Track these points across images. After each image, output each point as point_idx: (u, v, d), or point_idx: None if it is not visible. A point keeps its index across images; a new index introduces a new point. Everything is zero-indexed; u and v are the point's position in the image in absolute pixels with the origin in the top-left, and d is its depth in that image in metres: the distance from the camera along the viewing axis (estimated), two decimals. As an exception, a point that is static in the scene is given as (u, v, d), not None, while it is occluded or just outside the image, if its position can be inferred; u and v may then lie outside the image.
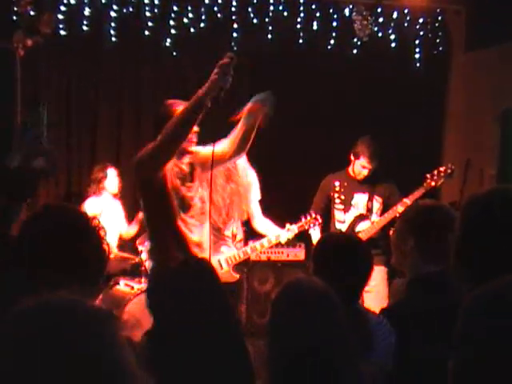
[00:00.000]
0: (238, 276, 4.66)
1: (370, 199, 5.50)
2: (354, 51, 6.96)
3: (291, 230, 4.81)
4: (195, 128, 3.69)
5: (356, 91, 6.81)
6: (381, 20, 6.88)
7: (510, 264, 1.75)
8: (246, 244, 4.89)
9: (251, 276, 5.86)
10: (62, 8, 6.05)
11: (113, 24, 6.28)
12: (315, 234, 5.25)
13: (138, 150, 3.71)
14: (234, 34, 6.66)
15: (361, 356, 2.24)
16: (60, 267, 1.93)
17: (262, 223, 4.89)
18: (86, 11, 6.17)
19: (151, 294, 2.70)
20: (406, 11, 7.00)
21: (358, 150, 5.42)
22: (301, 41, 6.89)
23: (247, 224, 4.90)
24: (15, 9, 5.30)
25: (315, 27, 6.89)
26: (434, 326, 2.42)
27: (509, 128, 6.59)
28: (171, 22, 6.44)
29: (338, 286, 2.21)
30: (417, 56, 7.18)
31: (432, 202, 3.15)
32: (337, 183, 5.56)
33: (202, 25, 6.54)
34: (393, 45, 7.08)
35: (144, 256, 5.14)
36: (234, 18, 6.65)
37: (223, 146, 3.87)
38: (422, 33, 7.13)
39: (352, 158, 5.52)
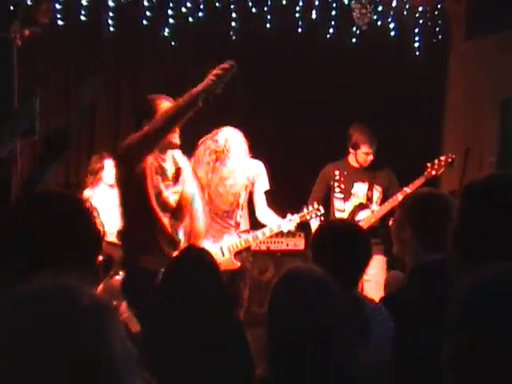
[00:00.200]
0: (239, 263, 4.71)
1: (370, 188, 5.50)
2: (353, 40, 6.94)
3: (293, 219, 4.82)
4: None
5: (355, 80, 6.79)
6: (380, 8, 6.85)
7: (509, 250, 1.75)
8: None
9: (251, 265, 5.86)
10: (60, -3, 6.04)
11: (111, 14, 6.26)
12: (315, 224, 5.24)
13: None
14: (233, 23, 6.64)
15: (359, 343, 2.24)
16: (56, 252, 1.93)
17: (265, 214, 4.91)
18: (84, 1, 6.14)
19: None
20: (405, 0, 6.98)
21: (356, 140, 5.42)
22: (300, 30, 6.87)
23: (252, 215, 4.92)
24: (12, -2, 5.28)
25: (314, 16, 6.86)
26: (433, 314, 2.41)
27: (508, 117, 6.57)
28: (169, 12, 6.42)
29: (337, 274, 2.21)
30: (416, 45, 7.15)
31: (430, 189, 3.15)
32: (337, 172, 5.56)
33: (200, 14, 6.51)
34: (392, 33, 7.05)
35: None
36: (232, 6, 6.62)
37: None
38: (421, 21, 7.10)
39: (351, 150, 5.52)
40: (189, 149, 5.52)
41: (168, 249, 3.84)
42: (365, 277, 5.24)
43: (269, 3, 6.74)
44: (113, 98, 6.63)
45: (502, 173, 2.17)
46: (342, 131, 5.59)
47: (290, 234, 6.18)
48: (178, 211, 3.94)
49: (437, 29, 7.21)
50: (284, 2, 6.80)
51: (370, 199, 5.50)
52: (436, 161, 5.34)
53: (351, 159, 5.57)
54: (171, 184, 3.92)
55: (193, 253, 2.87)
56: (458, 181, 5.75)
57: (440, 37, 7.24)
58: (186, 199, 3.99)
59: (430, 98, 7.23)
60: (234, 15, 6.63)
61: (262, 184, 4.86)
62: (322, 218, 5.01)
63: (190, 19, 6.49)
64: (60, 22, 6.08)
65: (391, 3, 6.94)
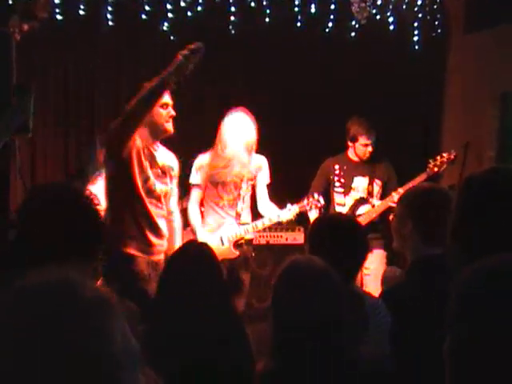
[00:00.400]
0: (237, 253, 4.77)
1: (371, 183, 5.51)
2: (352, 34, 6.92)
3: (292, 209, 4.83)
4: (172, 112, 3.92)
5: (354, 74, 6.78)
6: (379, 2, 6.83)
7: (509, 243, 1.75)
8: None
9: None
10: (59, -8, 6.02)
11: (109, 8, 6.23)
12: (314, 217, 5.26)
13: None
14: (232, 18, 6.61)
15: (360, 336, 2.25)
16: (58, 244, 1.93)
17: (266, 207, 4.94)
18: (83, -5, 6.13)
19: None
20: (404, -7, 6.97)
21: (353, 133, 5.44)
22: (299, 24, 6.85)
23: (254, 210, 4.96)
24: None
25: (313, 10, 6.84)
26: (433, 309, 2.42)
27: (507, 111, 6.57)
28: (168, 6, 6.40)
29: (336, 268, 2.22)
30: (415, 39, 7.14)
31: (430, 184, 3.15)
32: (336, 166, 5.57)
33: (199, 8, 6.49)
34: (391, 27, 7.03)
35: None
36: (231, 1, 6.60)
37: None
38: (420, 15, 7.08)
39: (350, 143, 5.53)
40: (191, 142, 5.55)
41: (151, 235, 3.86)
42: (365, 271, 5.30)
43: (268, -3, 6.72)
44: (112, 92, 6.62)
45: (501, 167, 2.17)
46: (341, 125, 5.60)
47: (289, 228, 6.19)
48: (162, 201, 3.97)
49: (436, 23, 7.19)
50: (283, -4, 6.79)
51: (370, 193, 5.50)
52: (438, 157, 5.34)
53: (351, 153, 5.58)
54: (159, 173, 3.95)
55: (194, 249, 2.87)
56: (457, 175, 5.75)
57: (439, 31, 7.22)
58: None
59: (429, 92, 7.22)
60: (232, 9, 6.61)
61: (264, 178, 4.91)
62: (322, 210, 5.02)
63: (189, 13, 6.47)
64: (59, 17, 6.06)
65: (390, -3, 6.93)
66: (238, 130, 4.71)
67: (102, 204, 2.25)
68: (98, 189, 5.80)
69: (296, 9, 6.82)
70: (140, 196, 3.80)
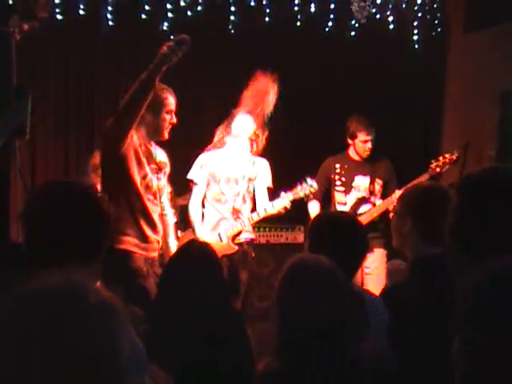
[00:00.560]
0: (236, 247, 4.81)
1: (372, 182, 5.51)
2: (352, 33, 6.92)
3: (285, 197, 4.83)
4: (174, 119, 3.95)
5: (354, 73, 6.78)
6: (379, 2, 6.83)
7: (508, 242, 1.75)
8: (253, 231, 5.09)
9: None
10: (58, -8, 6.01)
11: (109, 8, 6.23)
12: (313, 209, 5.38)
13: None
14: (232, 17, 6.62)
15: (361, 333, 2.25)
16: (61, 244, 1.92)
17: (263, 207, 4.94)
18: (82, -5, 6.13)
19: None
20: (404, -8, 6.97)
21: (352, 130, 5.47)
22: (298, 23, 6.84)
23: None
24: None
25: (313, 9, 6.84)
26: (433, 308, 2.42)
27: (507, 110, 6.57)
28: (168, 6, 6.39)
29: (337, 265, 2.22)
30: (415, 38, 7.14)
31: (430, 183, 3.15)
32: (337, 165, 5.58)
33: (199, 8, 6.49)
34: (391, 27, 7.03)
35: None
36: (231, 0, 6.60)
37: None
38: (420, 14, 7.08)
39: (350, 141, 5.54)
40: (191, 142, 5.56)
41: (149, 232, 3.86)
42: (366, 270, 5.31)
43: (267, -3, 6.72)
44: (112, 92, 6.61)
45: (500, 166, 2.17)
46: (341, 125, 5.60)
47: (289, 227, 6.20)
48: (157, 197, 3.99)
49: (436, 22, 7.19)
50: (283, -4, 6.79)
51: (371, 192, 5.51)
52: (441, 158, 5.35)
53: (351, 152, 5.59)
54: (156, 169, 3.97)
55: (196, 249, 2.87)
56: (457, 174, 5.75)
57: (439, 30, 7.22)
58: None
59: (429, 91, 7.22)
60: (232, 9, 6.61)
61: (265, 180, 4.97)
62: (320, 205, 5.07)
63: (189, 13, 6.46)
64: (59, 17, 6.05)
65: (390, -4, 6.93)
66: (242, 128, 4.87)
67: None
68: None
69: (296, 8, 6.82)
70: (139, 193, 3.80)
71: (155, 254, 3.96)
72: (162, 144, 4.11)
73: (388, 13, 6.98)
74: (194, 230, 4.85)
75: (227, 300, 2.80)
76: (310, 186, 4.91)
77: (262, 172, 4.99)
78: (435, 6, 7.13)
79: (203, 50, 6.00)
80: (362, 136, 5.42)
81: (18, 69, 3.54)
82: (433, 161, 5.34)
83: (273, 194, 4.99)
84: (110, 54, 6.55)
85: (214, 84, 6.64)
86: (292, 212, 5.01)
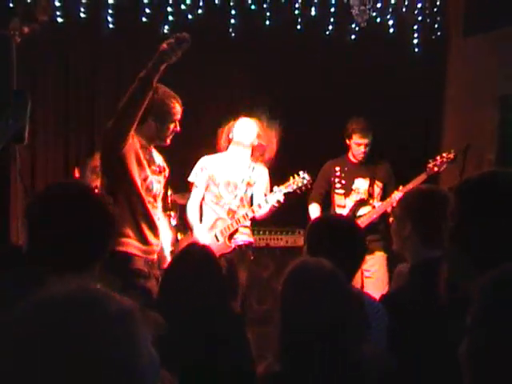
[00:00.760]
0: (233, 245, 4.84)
1: (371, 184, 5.52)
2: (352, 37, 6.93)
3: (278, 190, 4.86)
4: (178, 128, 3.92)
5: (354, 77, 6.78)
6: (379, 5, 6.84)
7: (507, 245, 1.75)
8: (252, 234, 5.14)
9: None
10: (59, -6, 6.02)
11: (110, 10, 6.24)
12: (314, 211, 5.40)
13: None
14: (232, 21, 6.63)
15: (361, 336, 2.25)
16: (62, 245, 1.92)
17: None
18: (83, -3, 6.13)
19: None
20: (404, -4, 6.97)
21: (349, 131, 5.49)
22: (299, 27, 6.85)
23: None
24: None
25: (313, 13, 6.85)
26: (433, 312, 2.42)
27: (507, 113, 6.57)
28: (169, 9, 6.40)
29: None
30: (415, 41, 7.15)
31: (430, 186, 3.15)
32: (337, 168, 5.59)
33: (199, 11, 6.50)
34: (391, 30, 7.04)
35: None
36: (231, 4, 6.61)
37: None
38: (420, 18, 7.09)
39: (347, 142, 5.57)
40: (191, 145, 5.56)
41: (150, 235, 3.85)
42: (366, 274, 5.31)
43: (268, 0, 6.72)
44: (112, 95, 6.62)
45: (499, 170, 2.17)
46: (341, 128, 5.61)
47: (289, 231, 6.20)
48: (157, 200, 3.98)
49: (436, 26, 7.20)
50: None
51: (371, 195, 5.52)
52: (438, 157, 5.36)
53: (351, 155, 5.60)
54: (157, 171, 3.97)
55: (197, 251, 2.87)
56: (457, 177, 5.75)
57: (439, 33, 7.23)
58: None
59: (429, 95, 7.22)
60: (233, 12, 6.62)
61: (263, 187, 5.00)
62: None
63: (190, 16, 6.48)
64: (59, 19, 6.06)
65: (390, 0, 6.93)
66: (244, 133, 4.96)
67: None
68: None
69: (296, 12, 6.83)
70: (140, 195, 3.79)
71: (155, 257, 3.96)
72: (160, 146, 4.10)
73: (388, 16, 6.99)
74: (192, 231, 4.88)
75: (227, 301, 2.81)
76: (302, 178, 4.94)
77: (261, 179, 5.06)
78: (435, 9, 7.14)
79: (203, 53, 6.01)
80: (356, 138, 5.45)
81: (19, 71, 3.54)
82: (430, 160, 5.35)
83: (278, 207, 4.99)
84: (111, 56, 6.56)
85: (214, 87, 6.64)
86: (292, 215, 5.01)
